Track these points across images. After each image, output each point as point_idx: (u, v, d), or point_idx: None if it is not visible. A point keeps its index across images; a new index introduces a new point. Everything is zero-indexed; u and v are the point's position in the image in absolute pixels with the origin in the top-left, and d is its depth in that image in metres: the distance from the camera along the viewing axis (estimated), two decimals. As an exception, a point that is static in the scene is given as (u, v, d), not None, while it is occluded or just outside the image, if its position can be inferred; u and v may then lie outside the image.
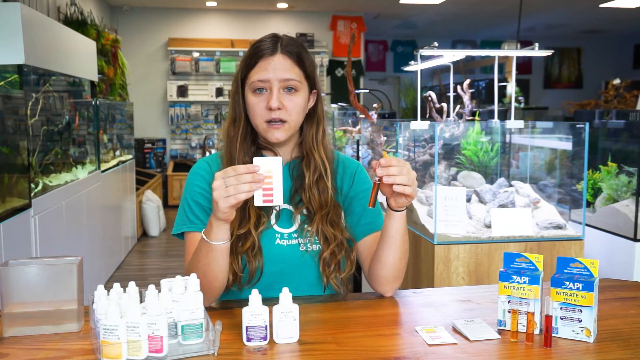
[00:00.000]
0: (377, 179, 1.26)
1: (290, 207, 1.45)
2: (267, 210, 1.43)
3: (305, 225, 1.42)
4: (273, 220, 1.43)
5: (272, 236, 1.42)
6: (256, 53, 1.38)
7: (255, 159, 1.21)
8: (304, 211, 1.44)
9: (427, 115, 3.33)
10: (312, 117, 1.47)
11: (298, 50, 1.40)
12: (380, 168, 1.25)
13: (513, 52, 3.39)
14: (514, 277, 1.20)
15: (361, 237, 1.48)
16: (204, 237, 1.27)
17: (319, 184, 1.44)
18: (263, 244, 1.40)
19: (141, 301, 1.17)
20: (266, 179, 1.20)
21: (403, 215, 1.34)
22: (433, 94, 3.21)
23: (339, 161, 1.53)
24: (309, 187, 1.43)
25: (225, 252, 1.29)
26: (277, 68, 1.36)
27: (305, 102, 1.42)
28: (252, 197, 1.21)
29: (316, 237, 1.42)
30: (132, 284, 1.16)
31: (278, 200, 1.21)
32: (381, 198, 1.36)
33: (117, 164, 5.29)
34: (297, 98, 1.39)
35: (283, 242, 1.42)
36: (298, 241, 1.43)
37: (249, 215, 1.39)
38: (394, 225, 1.35)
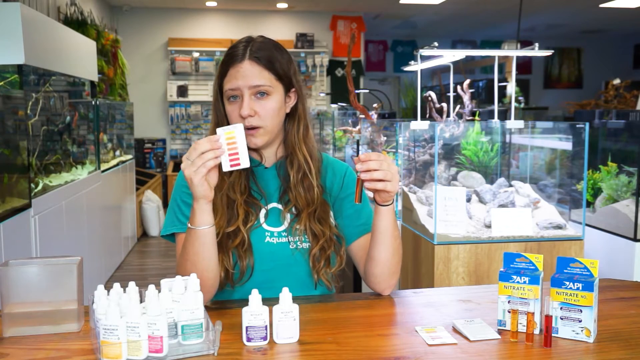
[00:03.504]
0: (358, 173, 1.27)
1: (279, 206, 1.46)
2: (255, 208, 1.44)
3: (295, 224, 1.43)
4: (262, 219, 1.44)
5: (261, 235, 1.43)
6: (227, 61, 1.40)
7: (218, 129, 1.28)
8: (293, 209, 1.45)
9: (427, 115, 3.32)
10: (294, 115, 1.47)
11: (268, 53, 1.39)
12: (360, 163, 1.26)
13: (513, 52, 3.39)
14: (514, 277, 1.20)
15: (355, 238, 1.49)
16: (189, 225, 1.30)
17: (303, 182, 1.44)
18: (253, 242, 1.41)
19: (141, 301, 1.16)
20: (230, 145, 1.27)
21: (390, 210, 1.35)
22: (433, 94, 3.21)
23: (328, 163, 1.54)
24: (294, 185, 1.44)
25: (212, 237, 1.30)
26: (246, 75, 1.36)
27: (279, 104, 1.41)
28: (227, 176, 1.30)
29: (305, 235, 1.43)
30: (132, 284, 1.16)
31: (245, 162, 1.28)
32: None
33: (117, 164, 5.29)
34: (269, 102, 1.38)
35: (273, 240, 1.43)
36: (288, 239, 1.43)
37: (237, 213, 1.40)
38: (382, 221, 1.36)
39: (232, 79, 1.37)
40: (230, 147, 1.27)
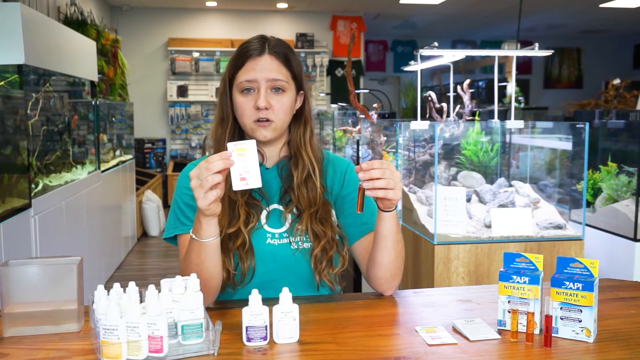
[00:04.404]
0: (361, 182, 1.26)
1: (280, 207, 1.46)
2: (256, 209, 1.43)
3: (296, 224, 1.43)
4: (263, 220, 1.44)
5: (263, 236, 1.42)
6: (244, 54, 1.40)
7: (229, 144, 1.21)
8: (294, 210, 1.45)
9: (427, 115, 3.32)
10: (300, 117, 1.48)
11: (285, 51, 1.42)
12: (362, 172, 1.25)
13: (513, 52, 3.39)
14: (514, 277, 1.20)
15: (358, 237, 1.48)
16: (193, 236, 1.27)
17: (307, 183, 1.44)
18: (254, 244, 1.41)
19: (141, 301, 1.16)
20: (242, 162, 1.20)
21: (393, 215, 1.34)
22: (433, 94, 3.21)
23: (329, 161, 1.54)
24: (298, 186, 1.44)
25: (217, 248, 1.29)
26: (265, 68, 1.38)
27: (292, 102, 1.42)
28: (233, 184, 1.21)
29: (307, 235, 1.42)
30: (132, 284, 1.16)
31: (256, 182, 1.21)
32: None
33: (117, 164, 5.29)
34: (284, 98, 1.40)
35: (274, 241, 1.43)
36: (289, 240, 1.43)
37: (238, 214, 1.40)
38: (385, 226, 1.35)
39: (249, 71, 1.38)
40: (241, 165, 1.20)
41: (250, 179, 1.21)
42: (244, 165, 1.21)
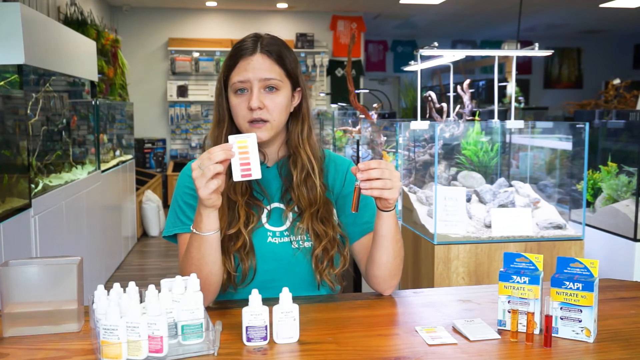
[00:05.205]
0: (357, 182, 1.26)
1: (281, 206, 1.46)
2: (257, 209, 1.43)
3: (297, 223, 1.43)
4: (264, 219, 1.44)
5: (263, 235, 1.42)
6: (236, 54, 1.39)
7: (230, 137, 1.24)
8: (295, 209, 1.44)
9: (427, 115, 3.32)
10: (297, 115, 1.47)
11: (278, 49, 1.40)
12: (360, 172, 1.25)
13: (513, 52, 3.39)
14: (514, 277, 1.20)
15: (358, 237, 1.48)
16: (194, 230, 1.27)
17: (307, 181, 1.44)
18: (255, 242, 1.40)
19: (141, 301, 1.16)
20: (243, 154, 1.23)
21: (392, 215, 1.34)
22: (433, 94, 3.21)
23: (330, 160, 1.53)
24: (297, 185, 1.43)
25: (217, 243, 1.29)
26: (257, 68, 1.36)
27: (287, 100, 1.41)
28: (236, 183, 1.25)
29: (307, 235, 1.42)
30: (132, 284, 1.16)
31: (256, 173, 1.24)
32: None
33: (117, 164, 5.29)
34: (278, 97, 1.39)
35: (275, 240, 1.42)
36: (290, 239, 1.42)
37: (238, 215, 1.40)
38: (384, 225, 1.35)
39: (242, 71, 1.37)
40: (242, 157, 1.23)
41: (251, 171, 1.23)
42: (245, 157, 1.23)
